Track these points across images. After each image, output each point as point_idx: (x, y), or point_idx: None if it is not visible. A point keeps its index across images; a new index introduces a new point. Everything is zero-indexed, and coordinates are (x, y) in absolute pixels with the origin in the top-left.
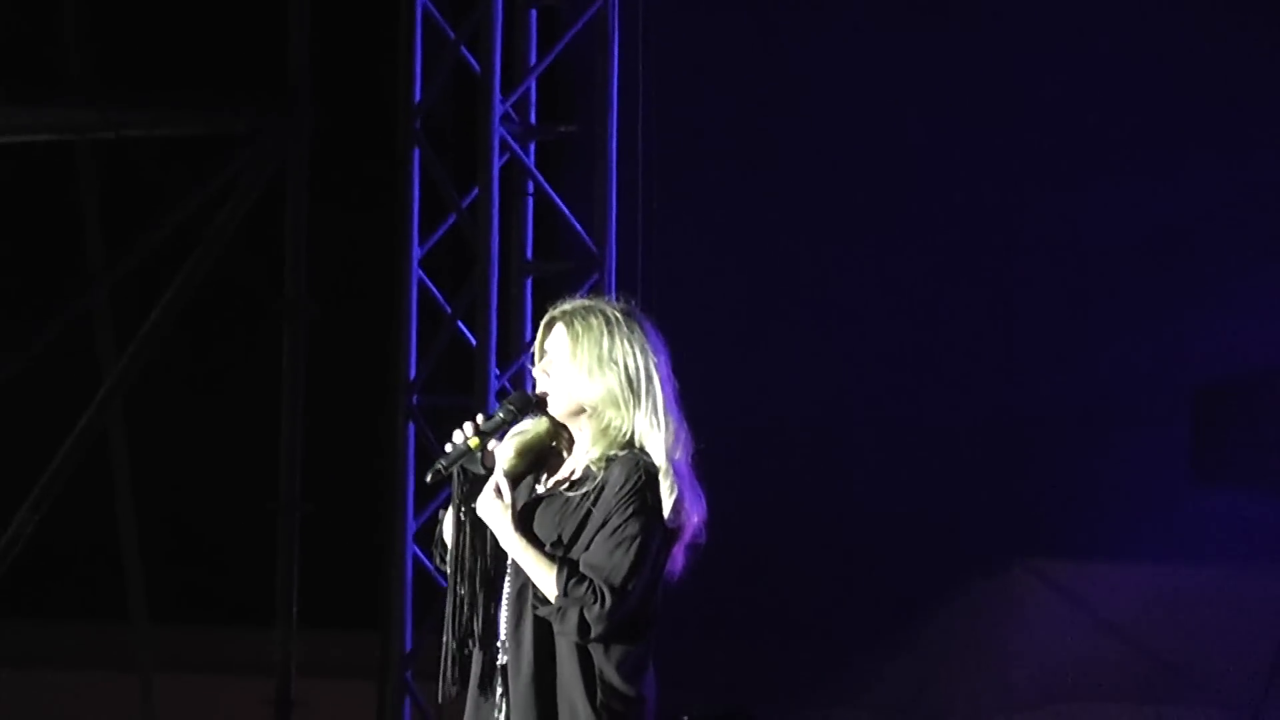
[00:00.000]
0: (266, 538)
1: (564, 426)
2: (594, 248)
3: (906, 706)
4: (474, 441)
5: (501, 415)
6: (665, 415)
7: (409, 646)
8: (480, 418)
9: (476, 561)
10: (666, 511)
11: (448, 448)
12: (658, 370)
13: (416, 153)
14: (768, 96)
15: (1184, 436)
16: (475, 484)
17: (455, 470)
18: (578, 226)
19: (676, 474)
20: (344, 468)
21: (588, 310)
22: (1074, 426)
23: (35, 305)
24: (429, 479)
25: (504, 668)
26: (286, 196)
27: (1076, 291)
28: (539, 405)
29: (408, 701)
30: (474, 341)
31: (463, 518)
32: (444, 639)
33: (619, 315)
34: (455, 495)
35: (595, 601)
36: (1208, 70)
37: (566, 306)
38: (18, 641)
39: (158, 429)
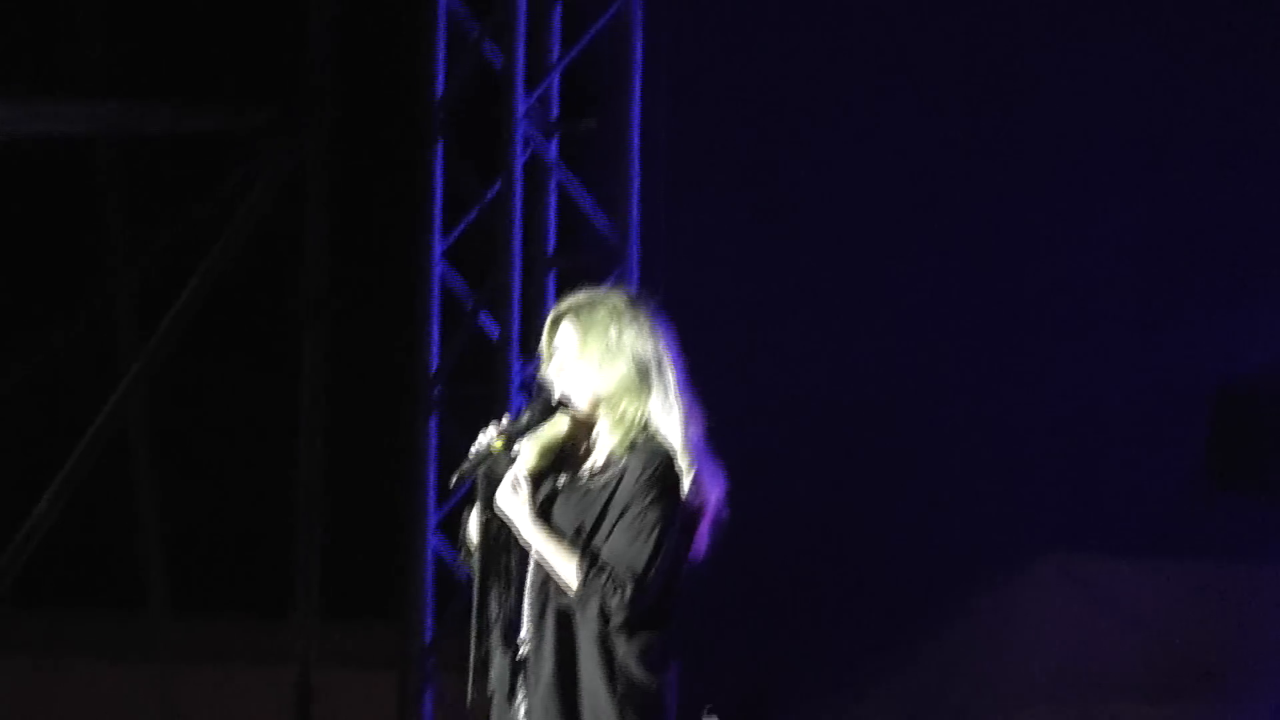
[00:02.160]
0: (287, 528)
1: (584, 426)
2: (616, 241)
3: (929, 701)
4: (498, 444)
5: (525, 418)
6: (678, 397)
7: (430, 637)
8: (504, 420)
9: (501, 559)
10: (685, 490)
11: (471, 451)
12: (666, 353)
13: (439, 147)
14: (791, 89)
15: (1202, 437)
16: (499, 486)
17: (480, 473)
18: (600, 221)
19: (694, 452)
20: (365, 459)
21: (592, 303)
22: (1096, 425)
23: (57, 300)
24: (453, 482)
25: (526, 662)
26: (307, 191)
27: (1100, 291)
28: (562, 406)
29: (428, 692)
30: (495, 334)
31: (486, 518)
32: (471, 641)
33: (623, 304)
34: (479, 497)
35: (616, 591)
36: (1225, 69)
37: (570, 303)
38: (38, 631)
39: (179, 421)
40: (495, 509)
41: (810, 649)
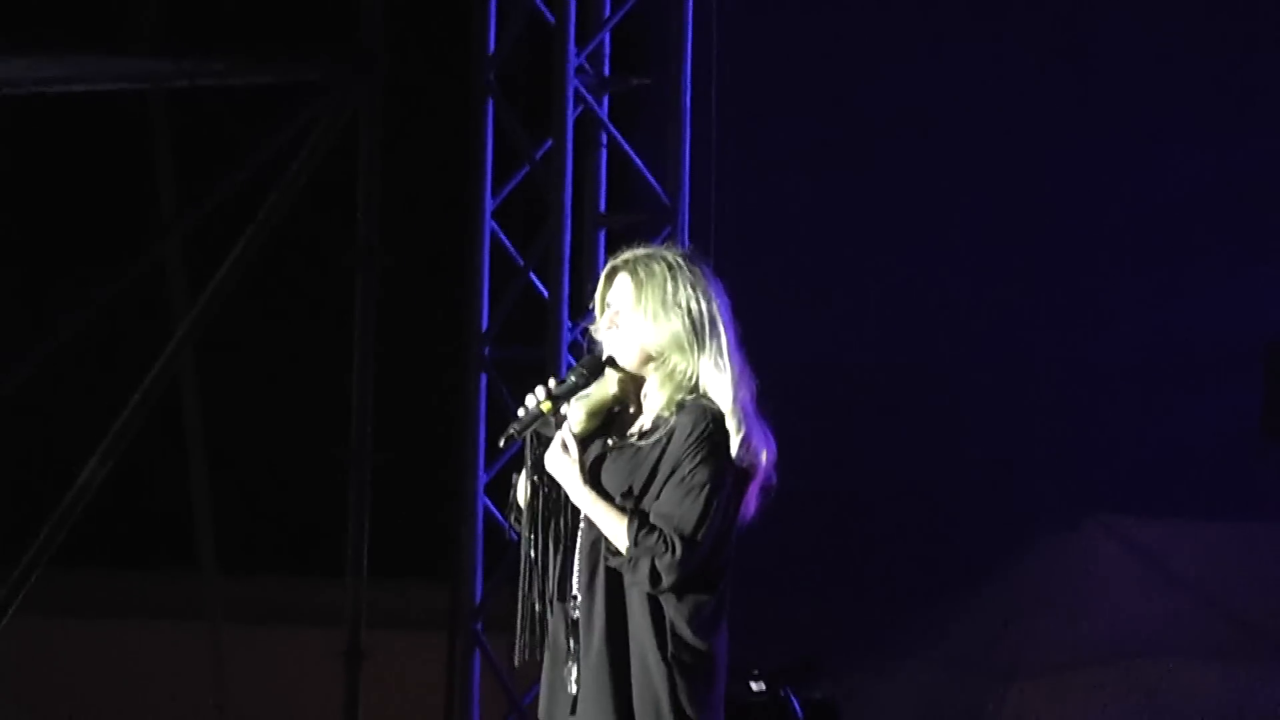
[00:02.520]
0: (338, 488)
1: (633, 388)
2: (667, 200)
3: (977, 660)
4: (546, 405)
5: (573, 379)
6: (729, 358)
7: (479, 598)
8: (552, 382)
9: (551, 522)
10: (734, 452)
11: (520, 412)
12: (720, 314)
13: (490, 104)
14: (842, 51)
15: (1255, 392)
16: (548, 447)
17: (528, 434)
18: (651, 179)
19: (744, 415)
20: (416, 419)
21: (649, 257)
22: (1146, 381)
23: (108, 254)
24: (501, 443)
25: (577, 622)
26: (359, 146)
27: (1147, 247)
28: (610, 365)
29: (477, 653)
30: (546, 293)
31: (536, 480)
32: (519, 601)
33: (680, 260)
34: (528, 459)
35: (666, 551)
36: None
37: (627, 255)
38: (88, 591)
39: (229, 379)
40: (544, 470)
41: (856, 611)
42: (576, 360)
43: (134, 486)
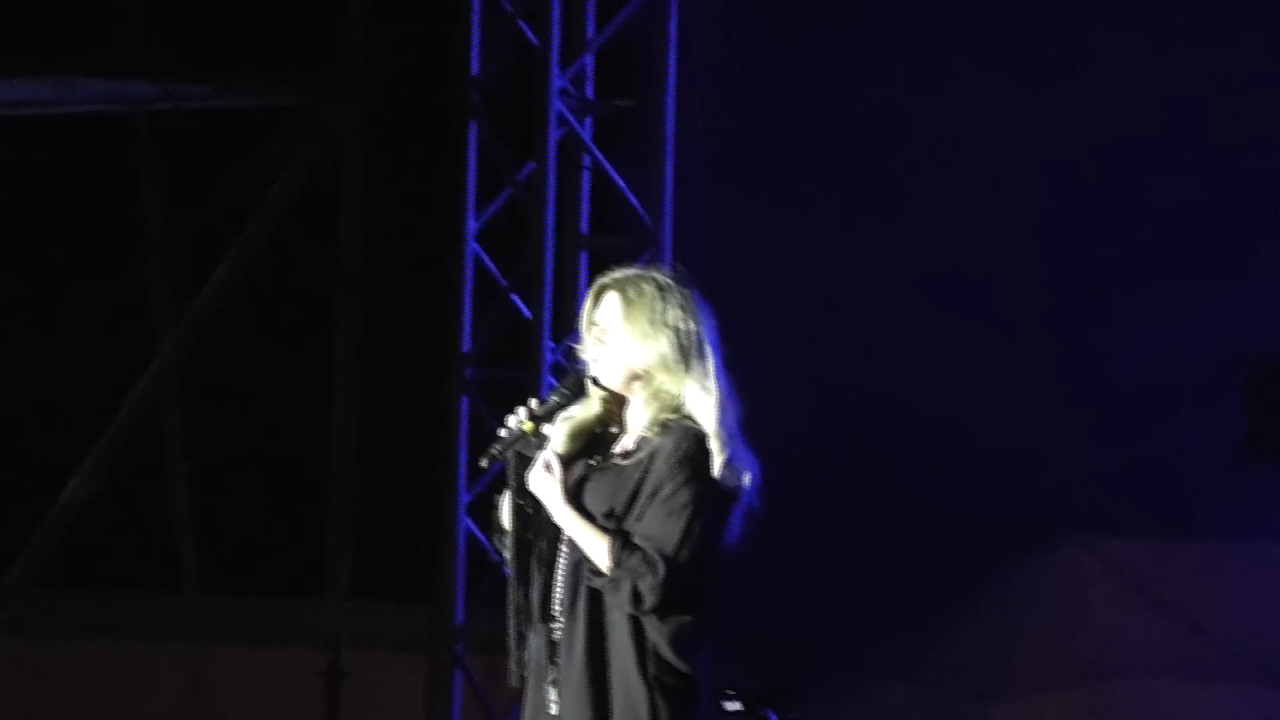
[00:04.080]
0: (319, 509)
1: (616, 408)
2: (649, 222)
3: (955, 682)
4: (528, 425)
5: (556, 399)
6: (715, 380)
7: (461, 619)
8: (534, 402)
9: (534, 541)
10: (718, 474)
11: (502, 432)
12: (707, 336)
13: (473, 126)
14: (826, 72)
15: (1239, 412)
16: (531, 468)
17: (511, 454)
18: (634, 201)
19: (728, 437)
20: (398, 440)
21: (639, 277)
22: (1128, 402)
23: (93, 276)
24: (484, 463)
25: (559, 643)
26: (343, 169)
27: (1132, 266)
28: (594, 384)
29: (459, 674)
30: (528, 314)
31: (520, 501)
32: (509, 622)
33: (670, 281)
34: (511, 479)
35: (648, 571)
36: (1261, 41)
37: (617, 275)
38: (69, 611)
39: (212, 399)
40: (527, 490)
41: (836, 631)
42: (559, 381)
43: (116, 506)
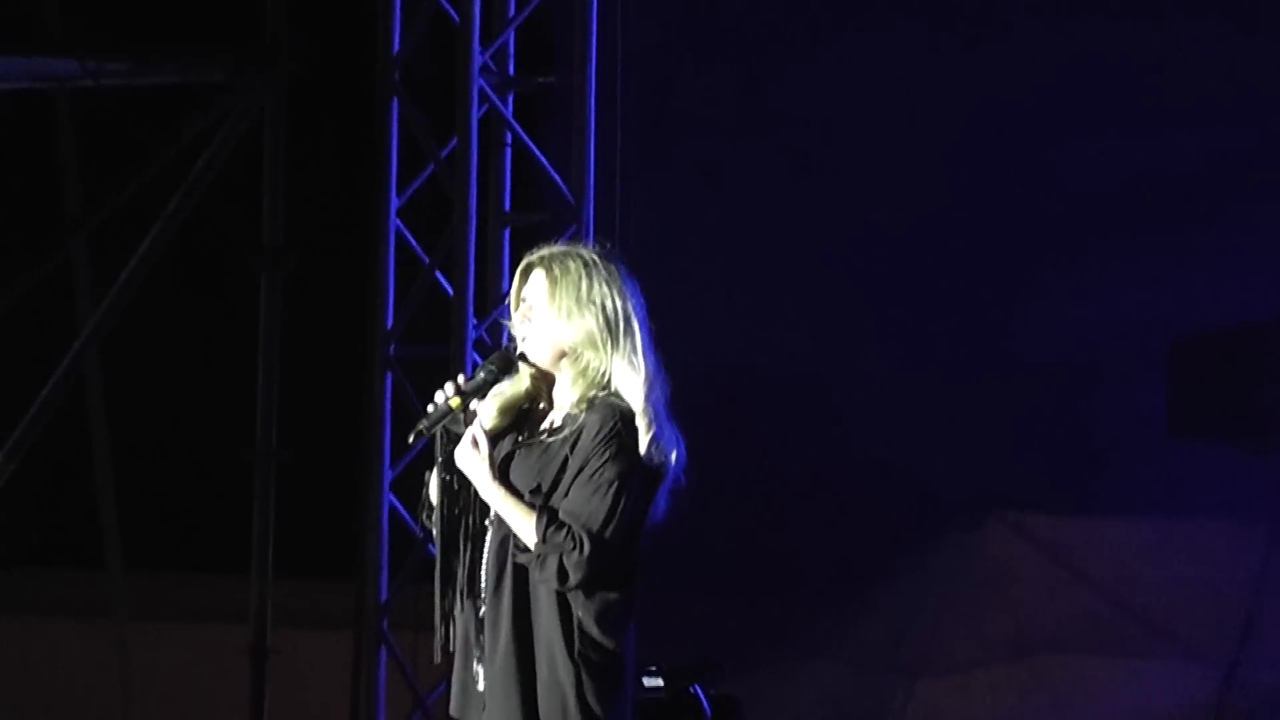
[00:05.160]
0: (243, 486)
1: (544, 384)
2: (571, 198)
3: (883, 659)
4: (455, 402)
5: (483, 375)
6: (643, 357)
7: (384, 596)
8: (461, 378)
9: (461, 518)
10: (644, 451)
11: (429, 409)
12: (635, 313)
13: (395, 103)
14: (747, 47)
15: (1160, 390)
16: (458, 444)
17: (438, 431)
18: (555, 177)
19: (655, 415)
20: (321, 417)
21: (565, 254)
22: (1051, 381)
23: (13, 254)
24: (410, 440)
25: (484, 620)
26: (264, 146)
27: (1054, 247)
28: (521, 360)
29: (383, 651)
30: (451, 291)
31: (447, 477)
32: (435, 599)
33: (596, 258)
34: (438, 455)
35: (575, 548)
36: (1191, 31)
37: (544, 252)
38: None
39: (134, 377)
40: (454, 466)
41: (763, 609)
42: (482, 358)
43: (39, 484)
